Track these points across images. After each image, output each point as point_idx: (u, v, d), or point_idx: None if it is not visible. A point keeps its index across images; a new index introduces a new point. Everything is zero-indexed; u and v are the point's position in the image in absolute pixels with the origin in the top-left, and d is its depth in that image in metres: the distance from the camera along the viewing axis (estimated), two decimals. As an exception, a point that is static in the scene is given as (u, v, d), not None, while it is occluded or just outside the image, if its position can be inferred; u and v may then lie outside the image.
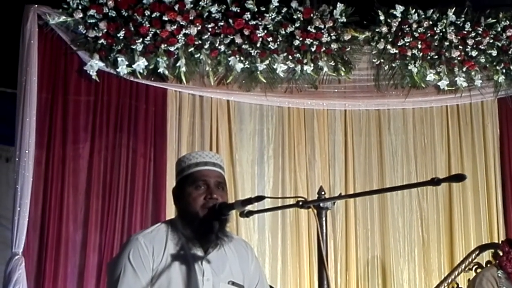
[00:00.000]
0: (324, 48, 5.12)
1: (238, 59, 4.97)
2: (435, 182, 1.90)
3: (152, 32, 4.74)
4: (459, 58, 5.35)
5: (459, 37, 5.34)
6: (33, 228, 4.49)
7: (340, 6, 5.15)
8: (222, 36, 4.93)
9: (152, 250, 2.53)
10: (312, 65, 5.11)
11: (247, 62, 5.00)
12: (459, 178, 1.90)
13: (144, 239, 2.56)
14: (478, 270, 4.46)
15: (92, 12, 4.66)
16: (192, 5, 4.84)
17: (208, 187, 2.59)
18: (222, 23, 4.92)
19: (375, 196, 5.32)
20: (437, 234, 5.35)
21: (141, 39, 4.72)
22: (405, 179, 5.37)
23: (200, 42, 4.87)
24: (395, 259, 5.24)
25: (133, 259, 2.50)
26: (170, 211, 4.76)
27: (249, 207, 2.45)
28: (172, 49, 4.81)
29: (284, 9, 5.05)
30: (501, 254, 4.27)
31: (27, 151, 4.44)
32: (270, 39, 4.99)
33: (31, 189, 4.44)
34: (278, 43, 5.03)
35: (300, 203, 2.23)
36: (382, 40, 5.26)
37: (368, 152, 5.42)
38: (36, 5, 4.64)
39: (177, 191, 2.67)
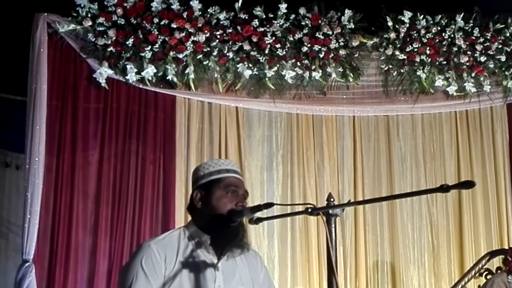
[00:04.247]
0: (332, 54, 5.12)
1: (246, 65, 4.98)
2: (444, 189, 1.89)
3: (160, 40, 4.76)
4: (467, 64, 5.34)
5: (467, 43, 5.33)
6: (43, 235, 4.50)
7: (348, 12, 5.15)
8: (230, 43, 4.94)
9: (165, 257, 2.53)
10: (320, 71, 5.12)
11: (255, 69, 5.01)
12: (468, 185, 1.89)
13: (156, 246, 2.56)
14: (488, 276, 4.45)
15: (101, 20, 4.68)
16: (200, 13, 4.85)
17: (237, 196, 2.61)
18: (230, 30, 4.93)
19: (384, 202, 5.30)
20: (447, 240, 5.32)
21: (149, 47, 4.74)
22: (414, 185, 5.35)
23: (208, 49, 4.88)
24: (404, 265, 5.22)
25: (146, 265, 2.51)
26: (179, 218, 4.78)
27: (258, 214, 2.45)
28: (180, 56, 4.82)
29: (292, 16, 5.06)
30: (511, 260, 4.25)
31: (37, 159, 4.45)
32: (278, 45, 4.99)
33: (41, 196, 4.45)
34: (287, 49, 5.04)
35: (309, 210, 2.23)
36: (390, 46, 5.25)
37: (377, 158, 5.41)
38: (46, 14, 4.66)
39: (203, 193, 2.64)
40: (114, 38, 4.71)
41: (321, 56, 5.09)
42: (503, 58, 5.39)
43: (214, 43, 4.89)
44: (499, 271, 4.47)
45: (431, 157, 5.47)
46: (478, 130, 5.57)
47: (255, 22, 4.95)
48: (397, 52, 5.25)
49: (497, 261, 4.68)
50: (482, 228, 5.37)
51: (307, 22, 5.06)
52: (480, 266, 4.53)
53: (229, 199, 2.59)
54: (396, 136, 5.46)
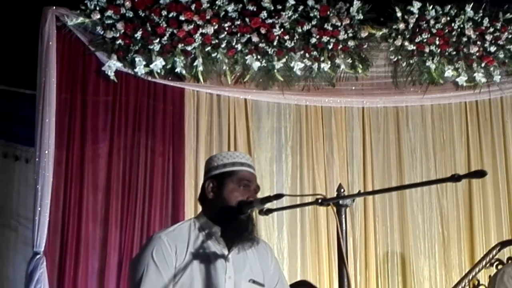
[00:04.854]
0: (341, 46, 5.11)
1: (255, 57, 4.97)
2: (455, 178, 1.88)
3: (169, 32, 4.76)
4: (477, 54, 5.31)
5: (477, 33, 5.30)
6: (53, 227, 4.52)
7: (356, 3, 5.13)
8: (238, 35, 4.93)
9: (175, 249, 2.54)
10: (329, 62, 5.11)
11: (264, 61, 5.00)
12: (480, 174, 1.88)
13: (167, 237, 2.56)
14: (499, 267, 4.43)
15: (109, 13, 4.69)
16: (208, 5, 4.85)
17: (249, 190, 2.61)
18: (238, 22, 4.92)
19: (394, 194, 5.29)
20: (457, 231, 5.31)
21: (158, 39, 4.74)
22: (424, 176, 5.34)
23: (217, 41, 4.88)
24: (415, 256, 5.21)
25: (156, 257, 2.51)
26: (189, 210, 4.79)
27: (268, 205, 2.45)
28: (189, 48, 4.82)
29: (301, 7, 5.05)
30: (522, 250, 4.24)
31: (47, 152, 4.47)
32: (286, 37, 4.98)
33: (51, 189, 4.47)
34: (295, 41, 5.02)
35: (319, 200, 2.22)
36: (399, 36, 5.23)
37: (386, 150, 5.39)
38: (54, 7, 4.68)
39: (215, 183, 2.64)
40: (123, 31, 4.72)
41: (330, 47, 5.08)
42: (513, 48, 5.36)
43: (223, 35, 4.89)
44: (509, 261, 4.45)
45: (441, 148, 5.45)
46: (488, 121, 5.54)
47: (264, 14, 4.94)
48: (406, 43, 5.23)
49: (507, 251, 4.67)
50: (493, 218, 5.35)
51: (315, 13, 5.05)
52: (490, 256, 4.51)
53: (241, 193, 2.59)
54: (406, 127, 5.44)
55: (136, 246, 4.61)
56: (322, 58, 5.09)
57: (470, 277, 4.51)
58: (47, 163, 4.46)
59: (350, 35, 5.12)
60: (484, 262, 4.51)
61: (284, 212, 5.02)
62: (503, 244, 4.62)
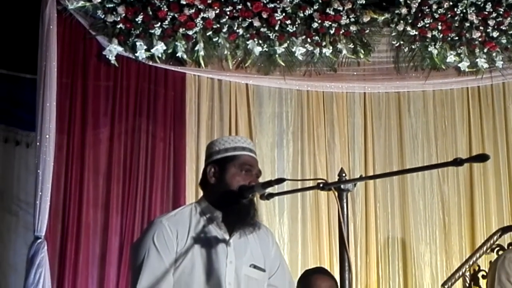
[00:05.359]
0: (343, 31, 5.08)
1: (256, 42, 4.95)
2: (458, 162, 1.88)
3: (170, 16, 4.74)
4: (480, 39, 5.27)
5: (479, 18, 5.26)
6: (54, 212, 4.53)
7: (359, -12, 5.11)
8: (240, 20, 4.91)
9: (177, 233, 2.53)
10: (331, 47, 5.08)
11: (265, 46, 4.98)
12: (482, 158, 1.87)
13: (168, 222, 2.56)
14: (500, 252, 4.43)
15: (110, -4, 4.67)
16: (210, -11, 4.83)
17: (251, 174, 2.60)
18: (240, 7, 4.90)
19: (395, 179, 5.28)
20: (458, 217, 5.30)
21: (159, 23, 4.72)
22: (426, 162, 5.32)
23: (218, 25, 4.86)
24: (415, 242, 5.21)
25: (158, 241, 2.51)
26: (190, 195, 4.80)
27: (269, 190, 2.44)
28: (190, 33, 4.80)
29: (303, -9, 5.02)
30: (523, 236, 4.24)
31: (47, 136, 4.46)
32: (288, 22, 4.96)
33: (52, 173, 4.47)
34: (297, 26, 5.00)
35: (321, 185, 2.22)
36: (401, 21, 5.20)
37: (388, 135, 5.38)
38: (55, -10, 4.65)
39: (217, 168, 2.63)
40: (124, 15, 4.70)
41: (332, 32, 5.05)
42: (515, 33, 5.33)
43: (224, 20, 4.86)
44: (510, 247, 4.45)
45: (443, 134, 5.44)
46: (490, 107, 5.51)
47: (265, -2, 4.92)
48: (408, 28, 5.20)
49: (508, 237, 4.66)
50: (494, 204, 5.34)
51: (317, -3, 5.02)
52: (491, 242, 4.51)
53: (243, 178, 2.58)
54: (407, 113, 5.42)
55: (137, 230, 4.61)
56: (323, 43, 5.07)
57: (471, 262, 4.51)
58: (48, 148, 4.46)
59: (352, 20, 5.09)
60: (485, 248, 4.51)
61: (285, 197, 5.02)
62: (504, 230, 4.62)
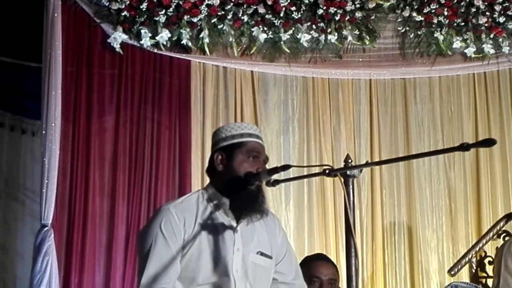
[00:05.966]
0: (348, 17, 5.06)
1: (261, 29, 4.93)
2: (464, 147, 1.87)
3: (175, 3, 4.73)
4: (486, 25, 5.24)
5: (486, 3, 5.22)
6: (61, 200, 4.54)
7: (364, -26, 5.08)
8: (245, 6, 4.89)
9: (184, 220, 2.53)
10: (336, 34, 5.06)
11: (270, 32, 4.96)
12: (489, 142, 1.86)
13: (175, 209, 2.55)
14: (506, 238, 4.44)
15: (114, -16, 4.65)
16: (214, -25, 4.80)
17: (258, 161, 2.59)
18: (245, -7, 4.88)
19: (401, 166, 5.27)
20: (465, 203, 5.29)
21: (164, 11, 4.71)
22: (432, 148, 5.28)
23: (223, 12, 4.84)
24: (422, 228, 5.21)
25: (165, 229, 2.51)
26: (196, 182, 4.80)
27: (275, 176, 2.44)
28: (195, 20, 4.79)
29: (308, -22, 5.00)
30: (529, 222, 4.23)
31: (53, 124, 4.47)
32: (293, 8, 4.93)
33: (58, 162, 4.48)
34: (302, 12, 4.98)
35: (327, 171, 2.21)
36: (407, 7, 5.17)
37: (393, 122, 5.36)
38: (59, -22, 4.64)
39: (224, 155, 2.61)
40: (128, 2, 4.70)
41: (337, 18, 5.03)
42: (522, 19, 5.29)
43: (229, 7, 4.85)
44: (517, 233, 4.46)
45: (449, 120, 5.41)
46: (497, 93, 5.48)
47: (270, -15, 4.90)
48: (414, 14, 5.17)
49: (514, 223, 4.66)
50: (500, 191, 5.32)
51: (322, -16, 4.99)
52: (498, 228, 4.51)
53: (250, 164, 2.57)
54: (413, 99, 5.40)
55: (143, 218, 4.63)
56: (329, 30, 5.04)
57: (477, 248, 4.51)
58: (53, 136, 4.46)
59: (358, 6, 5.06)
60: (491, 234, 4.52)
61: (291, 184, 5.02)
62: (510, 216, 4.62)
